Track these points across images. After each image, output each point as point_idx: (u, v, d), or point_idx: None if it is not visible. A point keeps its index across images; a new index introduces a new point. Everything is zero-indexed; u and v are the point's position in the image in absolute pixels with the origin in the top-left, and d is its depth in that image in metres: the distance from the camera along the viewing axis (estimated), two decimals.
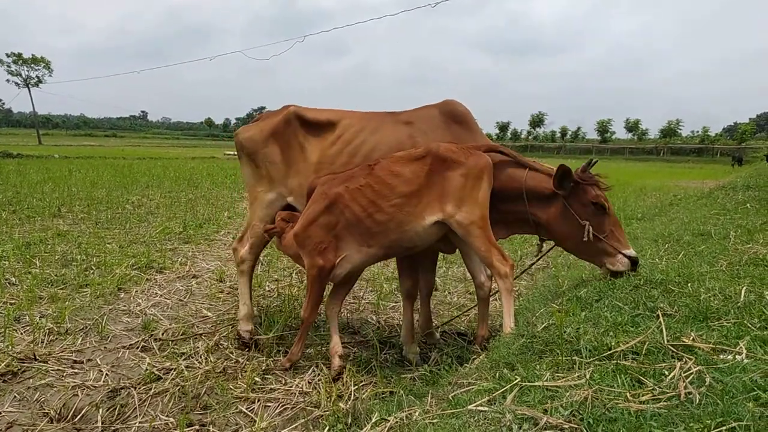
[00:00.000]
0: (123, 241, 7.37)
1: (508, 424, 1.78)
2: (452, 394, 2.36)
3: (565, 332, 2.43)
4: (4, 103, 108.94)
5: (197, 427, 2.91)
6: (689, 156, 58.40)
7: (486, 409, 1.97)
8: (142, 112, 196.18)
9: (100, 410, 3.00)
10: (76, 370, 3.53)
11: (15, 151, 28.79)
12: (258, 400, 3.19)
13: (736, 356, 1.94)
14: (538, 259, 4.21)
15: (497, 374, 2.34)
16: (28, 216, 8.95)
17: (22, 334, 4.02)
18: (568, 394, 1.88)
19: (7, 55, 58.27)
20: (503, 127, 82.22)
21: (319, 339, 4.16)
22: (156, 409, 3.08)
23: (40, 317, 4.34)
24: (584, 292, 3.21)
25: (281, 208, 4.02)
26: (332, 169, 3.74)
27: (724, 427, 1.48)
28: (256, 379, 3.43)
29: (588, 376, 1.99)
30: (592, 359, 2.17)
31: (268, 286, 5.65)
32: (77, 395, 3.20)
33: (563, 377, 2.07)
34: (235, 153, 4.41)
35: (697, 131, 71.03)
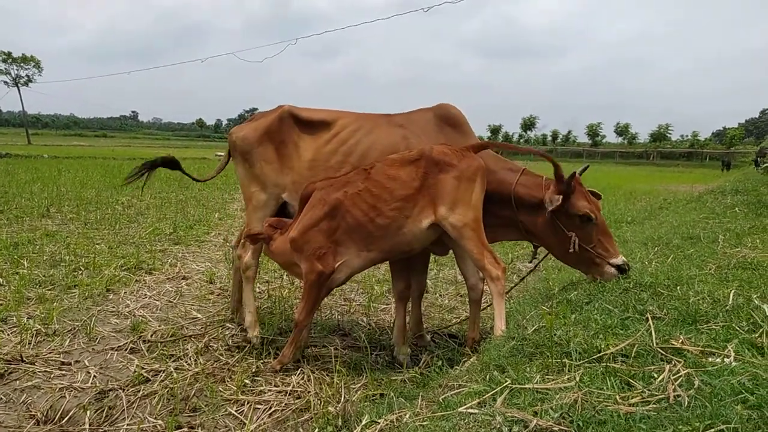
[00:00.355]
0: (112, 242, 7.32)
1: (498, 426, 1.78)
2: (443, 396, 2.36)
3: (555, 335, 2.44)
4: None
5: (186, 429, 2.89)
6: (679, 160, 59.00)
7: (476, 411, 1.97)
8: (133, 112, 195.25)
9: (88, 412, 2.97)
10: (63, 372, 3.49)
11: (4, 151, 28.49)
12: (248, 403, 3.17)
13: (725, 359, 1.95)
14: (534, 268, 4.23)
15: (488, 376, 2.35)
16: (16, 216, 8.86)
17: (9, 335, 3.98)
18: (558, 396, 1.88)
19: None
20: (495, 130, 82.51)
21: (310, 341, 4.14)
22: (144, 411, 3.05)
23: (28, 318, 4.29)
24: (574, 294, 3.22)
25: (277, 207, 4.02)
26: (327, 168, 3.75)
27: (713, 430, 1.49)
28: (246, 381, 3.41)
29: (578, 379, 2.00)
30: (581, 362, 2.17)
31: (259, 287, 5.62)
32: (65, 397, 3.17)
33: (553, 380, 2.07)
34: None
35: (687, 136, 71.88)
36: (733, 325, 2.29)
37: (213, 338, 4.16)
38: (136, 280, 5.60)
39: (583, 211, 3.30)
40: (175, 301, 5.05)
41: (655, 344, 2.16)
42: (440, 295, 5.58)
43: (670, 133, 70.20)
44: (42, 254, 6.35)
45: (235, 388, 3.30)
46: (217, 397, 3.20)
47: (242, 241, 4.22)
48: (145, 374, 3.46)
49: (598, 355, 2.18)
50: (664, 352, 2.10)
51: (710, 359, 1.99)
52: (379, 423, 2.34)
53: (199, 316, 4.68)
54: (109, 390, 3.27)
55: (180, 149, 53.83)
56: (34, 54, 61.76)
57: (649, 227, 7.42)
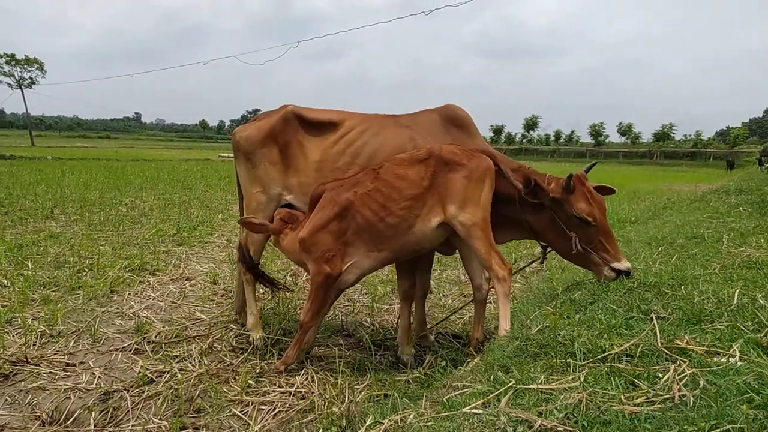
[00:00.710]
0: (116, 243, 7.33)
1: (502, 426, 1.78)
2: (447, 396, 2.36)
3: (559, 335, 2.44)
4: None
5: (190, 430, 2.89)
6: (682, 160, 58.81)
7: (480, 411, 1.97)
8: (136, 113, 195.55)
9: (93, 413, 2.97)
10: (68, 373, 3.50)
11: (8, 153, 28.63)
12: (252, 403, 3.18)
13: (730, 359, 1.95)
14: (534, 262, 4.22)
15: (492, 377, 2.34)
16: (20, 218, 8.89)
17: (13, 336, 3.99)
18: (562, 396, 1.88)
19: (0, 56, 57.94)
20: (497, 131, 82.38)
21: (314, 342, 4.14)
22: (149, 412, 3.06)
23: (32, 320, 4.30)
24: (578, 294, 3.21)
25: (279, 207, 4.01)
26: (334, 169, 3.73)
27: (718, 430, 1.49)
28: (250, 382, 3.41)
29: (582, 379, 1.99)
30: (586, 362, 2.17)
31: (262, 288, 5.62)
32: (69, 398, 3.18)
33: (557, 380, 2.07)
34: (230, 155, 4.38)
35: (690, 135, 71.62)
36: (738, 324, 2.28)
37: (217, 339, 4.17)
38: (140, 282, 5.61)
39: (581, 213, 3.29)
40: (179, 302, 5.06)
41: (659, 344, 2.16)
42: (443, 296, 5.57)
43: (673, 133, 69.98)
44: (46, 256, 6.37)
45: (239, 389, 3.31)
46: (221, 398, 3.21)
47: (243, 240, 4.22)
48: (149, 375, 3.47)
49: (603, 355, 2.17)
50: (668, 352, 2.09)
51: (715, 359, 1.98)
52: (383, 423, 2.34)
53: (202, 317, 4.69)
54: (114, 391, 3.28)
55: (183, 150, 54.00)
56: (38, 56, 61.98)
57: (653, 227, 7.40)
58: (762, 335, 2.13)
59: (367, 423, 2.41)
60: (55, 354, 3.74)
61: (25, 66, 59.16)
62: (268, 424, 2.98)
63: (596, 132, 74.26)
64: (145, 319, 4.52)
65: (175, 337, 4.16)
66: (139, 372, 3.50)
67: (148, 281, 5.66)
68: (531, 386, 2.05)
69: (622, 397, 1.81)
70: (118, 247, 7.09)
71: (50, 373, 3.48)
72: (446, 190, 3.29)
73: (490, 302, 4.23)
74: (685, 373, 1.87)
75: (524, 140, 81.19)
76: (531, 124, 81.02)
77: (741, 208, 7.22)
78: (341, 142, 3.80)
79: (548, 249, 3.73)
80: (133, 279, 5.65)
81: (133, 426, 2.91)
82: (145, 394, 3.24)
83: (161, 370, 3.56)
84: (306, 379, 3.50)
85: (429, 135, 3.75)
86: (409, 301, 3.91)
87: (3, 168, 18.78)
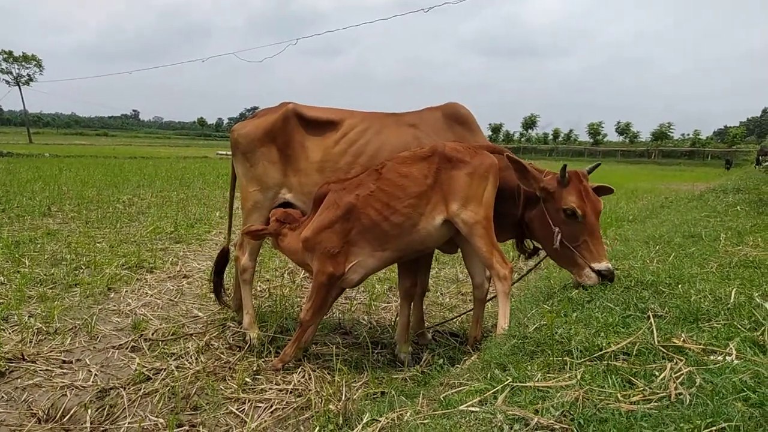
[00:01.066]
0: (113, 241, 7.32)
1: (499, 424, 1.78)
2: (444, 394, 2.36)
3: (556, 333, 2.44)
4: None
5: (187, 427, 2.89)
6: (680, 159, 58.89)
7: (477, 409, 1.97)
8: (134, 111, 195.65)
9: (89, 410, 2.97)
10: (64, 370, 3.49)
11: (5, 150, 28.56)
12: (249, 401, 3.17)
13: (726, 357, 1.95)
14: (533, 269, 4.21)
15: (489, 375, 2.34)
16: (17, 215, 8.87)
17: (10, 333, 3.98)
18: (559, 394, 1.88)
19: None
20: (496, 129, 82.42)
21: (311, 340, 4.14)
22: (145, 409, 3.06)
23: (29, 317, 4.29)
24: (576, 293, 3.21)
25: (276, 207, 3.98)
26: (336, 169, 3.70)
27: (714, 428, 1.49)
28: (247, 379, 3.41)
29: (579, 377, 2.00)
30: (583, 360, 2.17)
31: (260, 286, 5.63)
32: (66, 395, 3.17)
33: (554, 378, 2.07)
34: (228, 152, 4.36)
35: (688, 134, 71.75)
36: (735, 323, 2.29)
37: (214, 337, 4.16)
38: (137, 279, 5.60)
39: (569, 205, 3.24)
40: (176, 300, 5.05)
41: (656, 342, 2.16)
42: (441, 294, 5.58)
43: (671, 132, 70.10)
44: (43, 253, 6.36)
45: (236, 387, 3.30)
46: (218, 396, 3.20)
47: (237, 242, 4.20)
48: (146, 373, 3.46)
49: (600, 353, 2.18)
50: (665, 351, 2.10)
51: (712, 357, 1.99)
52: (380, 421, 2.33)
53: (200, 314, 4.68)
54: (111, 388, 3.27)
55: (181, 148, 53.92)
56: (35, 53, 61.78)
57: (651, 226, 7.41)
58: (758, 334, 2.14)
59: (364, 420, 2.41)
60: (51, 351, 3.73)
61: (23, 63, 59.04)
62: (265, 421, 2.98)
63: (594, 131, 74.33)
64: (142, 316, 4.51)
65: (172, 335, 4.15)
66: (136, 369, 3.50)
67: (145, 279, 5.65)
68: (528, 384, 2.05)
69: (619, 395, 1.81)
70: (116, 245, 7.08)
71: (47, 370, 3.47)
72: (449, 187, 3.28)
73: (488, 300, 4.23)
74: (681, 372, 1.87)
75: (523, 139, 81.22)
76: (530, 123, 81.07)
77: (738, 207, 7.23)
78: (343, 142, 3.77)
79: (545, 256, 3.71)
80: (130, 276, 5.63)
81: (129, 423, 2.90)
82: (142, 391, 3.24)
83: (158, 368, 3.56)
84: (303, 376, 3.50)
85: (432, 133, 3.73)
86: (409, 300, 3.90)
87: (0, 165, 18.73)
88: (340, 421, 2.79)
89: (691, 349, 2.06)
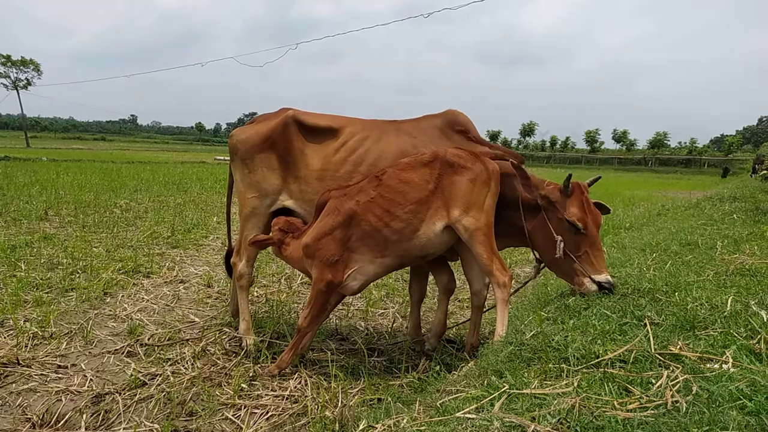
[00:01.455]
0: (110, 245, 7.31)
1: (495, 431, 1.78)
2: (440, 401, 2.36)
3: (553, 340, 2.44)
4: None
5: None
6: (677, 167, 59.14)
7: (474, 416, 1.96)
8: (132, 115, 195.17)
9: (84, 416, 2.96)
10: (60, 375, 3.48)
11: (2, 154, 28.48)
12: (245, 407, 3.16)
13: (723, 365, 1.95)
14: (530, 280, 4.22)
15: (485, 382, 2.34)
16: (14, 219, 8.85)
17: (5, 338, 3.96)
18: (555, 401, 1.88)
19: None
20: (494, 136, 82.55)
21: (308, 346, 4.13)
22: (141, 415, 3.04)
23: (25, 321, 4.28)
24: (572, 300, 3.22)
25: (274, 214, 3.97)
26: (336, 177, 3.70)
27: None
28: (243, 385, 3.40)
29: (576, 384, 2.00)
30: (579, 367, 2.17)
31: (257, 291, 5.62)
32: (61, 400, 3.15)
33: (551, 385, 2.07)
34: (226, 158, 4.35)
35: (685, 142, 72.13)
36: (731, 331, 2.29)
37: (210, 342, 4.15)
38: (134, 284, 5.59)
39: (572, 218, 3.29)
40: (172, 305, 5.04)
41: (653, 350, 2.16)
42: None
43: (668, 140, 70.48)
44: (39, 257, 6.34)
45: (232, 393, 3.29)
46: (214, 402, 3.19)
47: (236, 248, 4.18)
48: (141, 378, 3.45)
49: (596, 360, 2.18)
50: (662, 358, 2.10)
51: (708, 365, 1.99)
52: (376, 428, 2.33)
53: (196, 320, 4.67)
54: (106, 393, 3.25)
55: (179, 153, 53.86)
56: (34, 57, 61.83)
57: (648, 233, 7.41)
58: (755, 342, 2.14)
59: (360, 427, 2.40)
60: (46, 356, 3.72)
61: (21, 67, 59.04)
62: (261, 427, 2.97)
63: (591, 138, 74.62)
64: (138, 321, 4.49)
65: (168, 340, 4.14)
66: (132, 375, 3.48)
67: (141, 284, 5.64)
68: (524, 391, 2.05)
69: (616, 402, 1.81)
70: (112, 249, 7.07)
71: (42, 375, 3.45)
72: (451, 193, 3.28)
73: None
74: (678, 379, 1.88)
75: (520, 146, 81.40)
76: (528, 131, 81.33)
77: (735, 216, 7.26)
78: (343, 150, 3.76)
79: (543, 265, 3.72)
80: (126, 281, 5.62)
81: (124, 429, 2.89)
82: (137, 396, 3.22)
83: (154, 373, 3.54)
84: (299, 383, 3.49)
85: (431, 141, 3.73)
86: (447, 294, 3.99)
87: None
88: (337, 428, 2.78)
89: (688, 357, 2.06)
